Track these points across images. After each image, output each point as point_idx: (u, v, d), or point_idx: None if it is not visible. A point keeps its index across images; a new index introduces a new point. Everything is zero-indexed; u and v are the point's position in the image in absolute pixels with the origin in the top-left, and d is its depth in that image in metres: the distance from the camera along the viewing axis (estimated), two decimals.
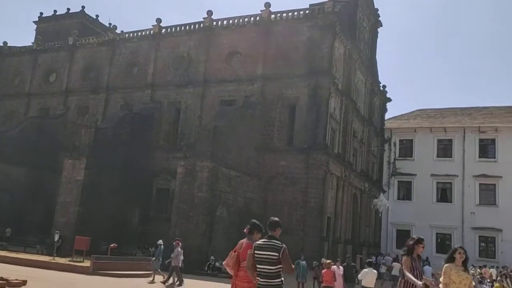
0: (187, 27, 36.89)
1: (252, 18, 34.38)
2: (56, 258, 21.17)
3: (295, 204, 28.71)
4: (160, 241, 18.95)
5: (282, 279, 5.51)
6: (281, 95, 31.76)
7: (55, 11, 53.24)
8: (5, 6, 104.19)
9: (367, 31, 41.20)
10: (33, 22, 54.34)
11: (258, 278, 5.44)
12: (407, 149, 44.93)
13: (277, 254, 5.39)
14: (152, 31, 37.86)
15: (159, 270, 18.10)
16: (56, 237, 22.26)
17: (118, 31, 41.23)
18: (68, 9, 52.98)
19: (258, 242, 5.61)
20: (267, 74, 32.40)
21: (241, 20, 34.79)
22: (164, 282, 17.46)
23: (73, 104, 40.29)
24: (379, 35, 43.57)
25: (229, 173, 26.76)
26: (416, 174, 43.30)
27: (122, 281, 17.38)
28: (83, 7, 52.83)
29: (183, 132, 34.22)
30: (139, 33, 38.83)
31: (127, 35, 39.72)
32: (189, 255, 23.38)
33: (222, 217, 25.91)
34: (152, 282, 17.68)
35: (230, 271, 6.15)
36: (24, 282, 12.14)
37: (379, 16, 42.54)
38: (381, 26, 43.27)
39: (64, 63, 41.75)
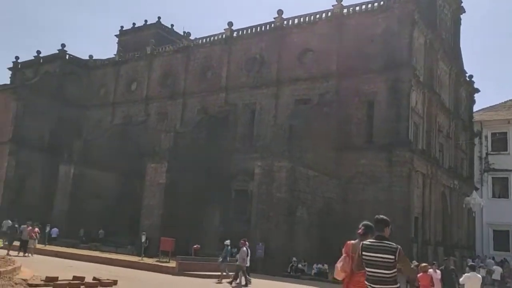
0: (258, 28, 36.91)
1: (323, 14, 33.56)
2: (144, 258, 21.87)
3: (377, 204, 27.36)
4: (227, 242, 18.83)
5: (399, 285, 4.84)
6: (357, 91, 30.57)
7: (133, 23, 56.20)
8: (88, 21, 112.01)
9: (448, 18, 38.56)
10: (115, 35, 57.84)
11: (366, 283, 4.84)
12: (500, 142, 41.32)
13: (393, 257, 4.75)
14: (224, 35, 38.36)
15: (226, 271, 17.95)
16: (143, 238, 23.05)
17: (192, 37, 42.33)
18: (146, 21, 55.58)
19: (366, 243, 5.00)
20: (341, 71, 31.38)
21: (312, 17, 34.11)
22: (230, 283, 17.28)
23: (153, 111, 41.92)
24: (462, 21, 40.63)
25: (307, 172, 26.15)
26: None
27: (207, 281, 17.46)
28: (159, 18, 55.19)
29: (259, 133, 34.14)
30: (212, 38, 39.54)
31: (200, 41, 40.59)
32: (271, 257, 23.20)
33: (302, 218, 25.35)
34: (220, 282, 17.55)
35: (338, 276, 5.54)
36: (115, 282, 12.46)
37: (462, 2, 39.65)
38: (464, 12, 40.29)
39: (143, 72, 43.62)
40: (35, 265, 15.17)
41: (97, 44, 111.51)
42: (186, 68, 40.47)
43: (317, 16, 33.80)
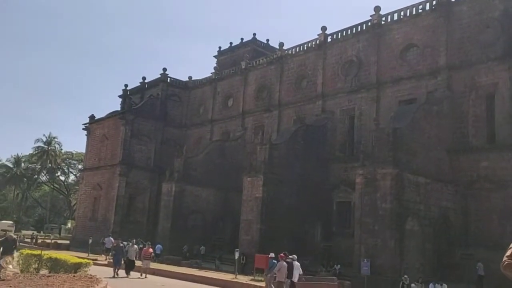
0: (354, 29, 34.68)
1: (427, 4, 30.28)
2: (238, 276, 20.68)
3: (507, 213, 23.16)
4: (272, 254, 16.87)
5: None
6: (473, 85, 26.72)
7: (231, 43, 57.31)
8: (188, 46, 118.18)
9: None
10: (213, 56, 59.41)
11: None
12: None
13: None
14: (317, 41, 36.75)
15: (272, 286, 15.84)
16: (236, 255, 21.90)
17: (285, 47, 41.35)
18: (242, 39, 56.34)
19: None
20: (452, 63, 27.82)
21: (414, 9, 31.02)
22: None
23: (249, 125, 41.50)
24: None
25: (417, 179, 23.04)
26: None
27: None
28: (254, 34, 55.62)
29: (360, 140, 31.58)
30: (305, 46, 38.15)
31: (293, 50, 39.43)
32: (378, 274, 20.56)
33: (414, 231, 22.22)
34: None
35: None
36: None
37: None
38: None
39: (239, 87, 43.60)
40: (125, 284, 14.61)
41: (197, 68, 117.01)
42: (280, 79, 39.53)
43: (420, 7, 30.64)
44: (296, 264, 15.56)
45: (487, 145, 25.37)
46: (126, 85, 53.81)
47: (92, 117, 49.42)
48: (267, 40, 55.55)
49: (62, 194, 76.75)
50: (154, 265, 24.15)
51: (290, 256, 15.72)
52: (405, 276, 19.11)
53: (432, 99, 27.43)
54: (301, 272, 15.92)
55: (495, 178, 24.00)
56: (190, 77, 51.17)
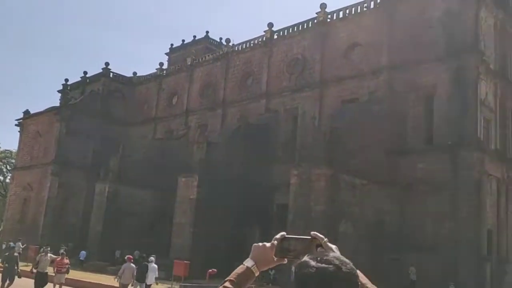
0: (300, 26, 33.84)
1: (371, 3, 29.78)
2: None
3: (440, 216, 22.66)
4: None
5: None
6: (413, 85, 26.26)
7: (183, 40, 55.72)
8: (136, 43, 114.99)
9: None
10: (165, 53, 57.51)
11: None
12: None
13: None
14: (264, 38, 35.66)
15: None
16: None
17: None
18: (194, 36, 54.83)
19: None
20: (394, 63, 27.31)
21: (359, 7, 30.47)
22: None
23: (193, 123, 39.84)
24: None
25: (353, 181, 22.17)
26: None
27: None
28: (207, 32, 54.28)
29: (302, 140, 30.60)
30: (252, 42, 36.99)
31: (240, 46, 38.16)
32: None
33: (347, 234, 21.29)
34: None
35: None
36: None
37: None
38: None
39: (184, 84, 41.88)
40: None
41: (149, 66, 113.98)
42: (226, 76, 38.17)
43: (365, 5, 30.13)
44: (153, 266, 15.20)
45: (425, 146, 24.91)
46: (66, 80, 50.79)
47: (26, 112, 46.21)
48: (220, 38, 54.18)
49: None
50: (74, 274, 21.90)
51: (149, 259, 15.57)
52: None
53: (373, 99, 26.83)
54: (157, 275, 15.51)
55: (431, 180, 23.47)
56: (135, 73, 48.92)
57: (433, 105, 25.42)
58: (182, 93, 42.05)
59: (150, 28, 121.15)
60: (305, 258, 1.60)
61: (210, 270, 15.85)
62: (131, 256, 14.65)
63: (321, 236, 1.79)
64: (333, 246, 1.75)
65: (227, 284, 1.74)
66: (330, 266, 1.53)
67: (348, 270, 1.54)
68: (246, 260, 1.84)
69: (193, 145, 36.92)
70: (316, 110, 30.40)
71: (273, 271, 24.59)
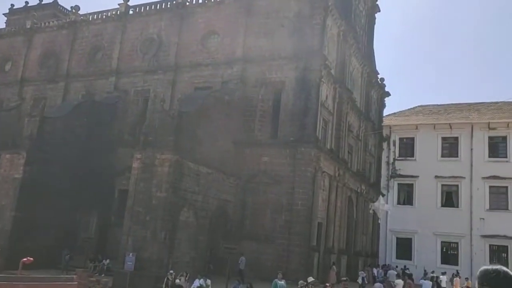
0: (158, 5, 32.29)
1: None
2: None
3: (279, 208, 23.87)
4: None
5: None
6: (264, 80, 27.13)
7: (26, 2, 49.28)
8: None
9: (363, 15, 36.76)
10: (3, 14, 50.25)
11: None
12: (408, 148, 40.31)
13: None
14: (118, 11, 33.19)
15: None
16: None
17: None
18: (40, 0, 48.71)
19: None
20: (248, 56, 27.82)
21: None
22: None
23: (28, 95, 35.33)
24: (376, 21, 39.15)
25: (198, 169, 21.89)
26: (418, 176, 38.64)
27: None
28: None
29: (152, 124, 29.33)
30: (104, 14, 34.16)
31: (90, 16, 34.94)
32: (142, 269, 18.56)
33: (188, 223, 20.96)
34: None
35: None
36: None
37: (377, 0, 38.18)
38: (379, 11, 38.88)
39: (20, 50, 36.87)
40: None
41: None
42: (72, 47, 34.67)
43: None
44: None
45: (270, 140, 25.91)
46: None
47: None
48: (72, 7, 49.06)
49: None
50: None
51: None
52: (171, 271, 17.52)
53: (225, 88, 26.94)
54: None
55: (273, 173, 24.56)
56: None
57: (280, 102, 26.55)
58: (17, 59, 36.96)
59: None
60: None
61: (24, 259, 13.83)
62: None
63: None
64: None
65: None
66: None
67: None
68: None
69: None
70: (168, 94, 29.42)
71: (108, 260, 23.10)
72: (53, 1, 48.70)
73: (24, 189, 23.49)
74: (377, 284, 19.64)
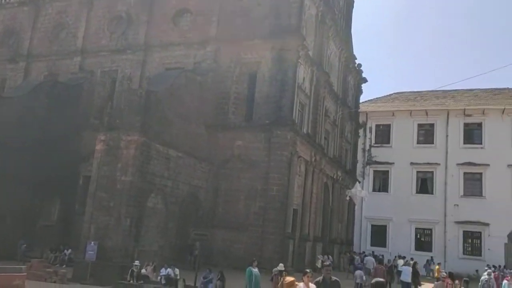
0: None
1: None
2: None
3: (253, 194, 22.82)
4: None
5: None
6: (239, 60, 25.88)
7: None
8: None
9: None
10: None
11: None
12: (384, 135, 39.91)
13: None
14: None
15: None
16: None
17: None
18: None
19: None
20: (222, 36, 26.47)
21: None
22: None
23: None
24: (354, 5, 38.27)
25: (168, 152, 20.57)
26: (393, 163, 38.37)
27: None
28: None
29: (119, 106, 27.69)
30: None
31: None
32: (106, 260, 17.23)
33: (156, 209, 19.70)
34: None
35: None
36: None
37: None
38: None
39: None
40: None
41: None
42: (34, 25, 32.57)
43: None
44: None
45: (244, 123, 24.76)
46: None
47: None
48: None
49: None
50: None
51: None
52: (136, 262, 16.26)
53: (198, 69, 25.59)
54: None
55: (247, 158, 23.46)
56: None
57: (255, 84, 25.38)
58: None
59: None
60: None
61: None
62: None
63: None
64: None
65: None
66: None
67: None
68: None
69: None
70: (137, 75, 27.81)
71: (70, 250, 21.67)
72: None
73: None
74: (358, 272, 18.83)
